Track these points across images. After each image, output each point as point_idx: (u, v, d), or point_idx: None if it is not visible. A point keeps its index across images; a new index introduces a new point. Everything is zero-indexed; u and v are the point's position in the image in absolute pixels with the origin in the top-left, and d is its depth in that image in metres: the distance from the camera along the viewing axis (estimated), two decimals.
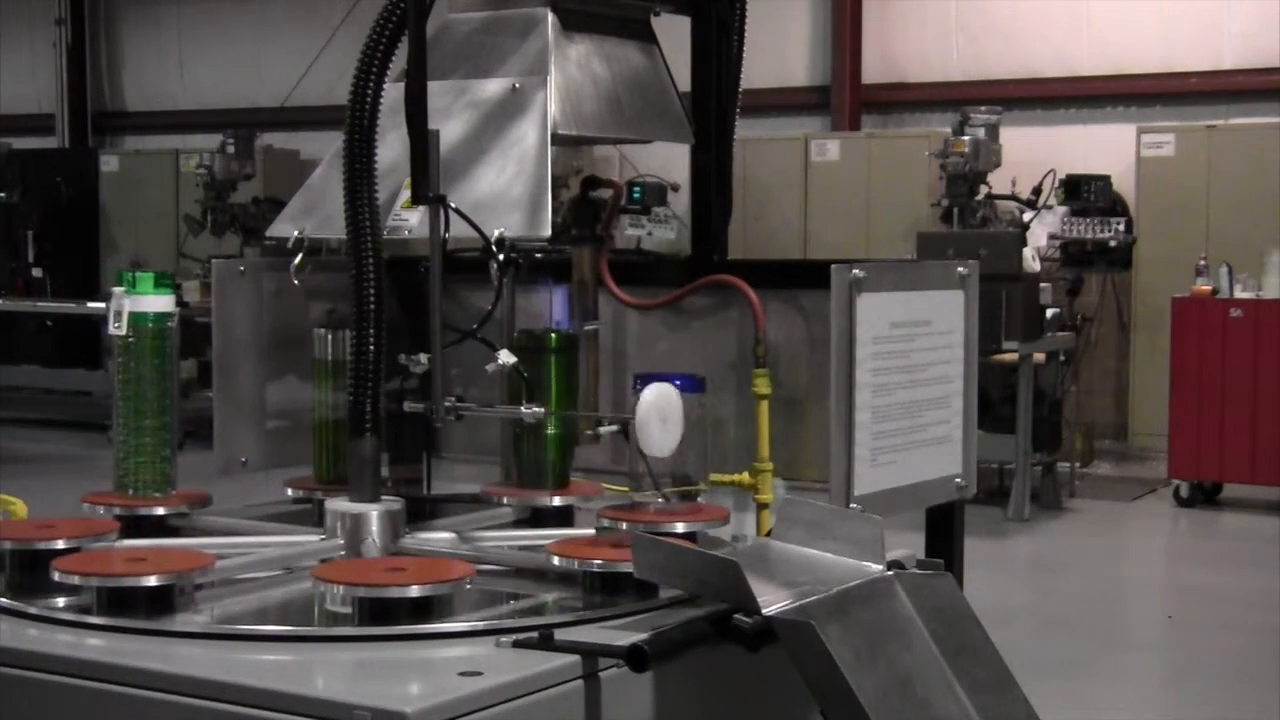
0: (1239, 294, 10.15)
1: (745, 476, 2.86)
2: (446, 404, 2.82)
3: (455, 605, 2.33)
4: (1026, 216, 11.13)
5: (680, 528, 2.69)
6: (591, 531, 2.72)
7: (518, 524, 2.94)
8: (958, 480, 3.10)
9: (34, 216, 15.09)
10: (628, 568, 2.37)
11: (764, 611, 2.22)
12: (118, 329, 2.81)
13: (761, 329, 2.89)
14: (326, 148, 3.01)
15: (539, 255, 3.16)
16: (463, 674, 2.04)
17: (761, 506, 2.85)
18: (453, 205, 2.73)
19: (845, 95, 13.85)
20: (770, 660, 2.26)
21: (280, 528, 2.87)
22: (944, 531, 3.13)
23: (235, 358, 3.07)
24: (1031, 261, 10.15)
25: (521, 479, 2.97)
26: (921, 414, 2.98)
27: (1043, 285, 10.09)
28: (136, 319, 2.80)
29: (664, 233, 12.51)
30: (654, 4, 3.11)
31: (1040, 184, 11.23)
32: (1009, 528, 9.66)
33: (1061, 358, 10.53)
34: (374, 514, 2.68)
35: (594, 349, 3.10)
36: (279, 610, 2.46)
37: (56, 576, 2.35)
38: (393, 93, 2.74)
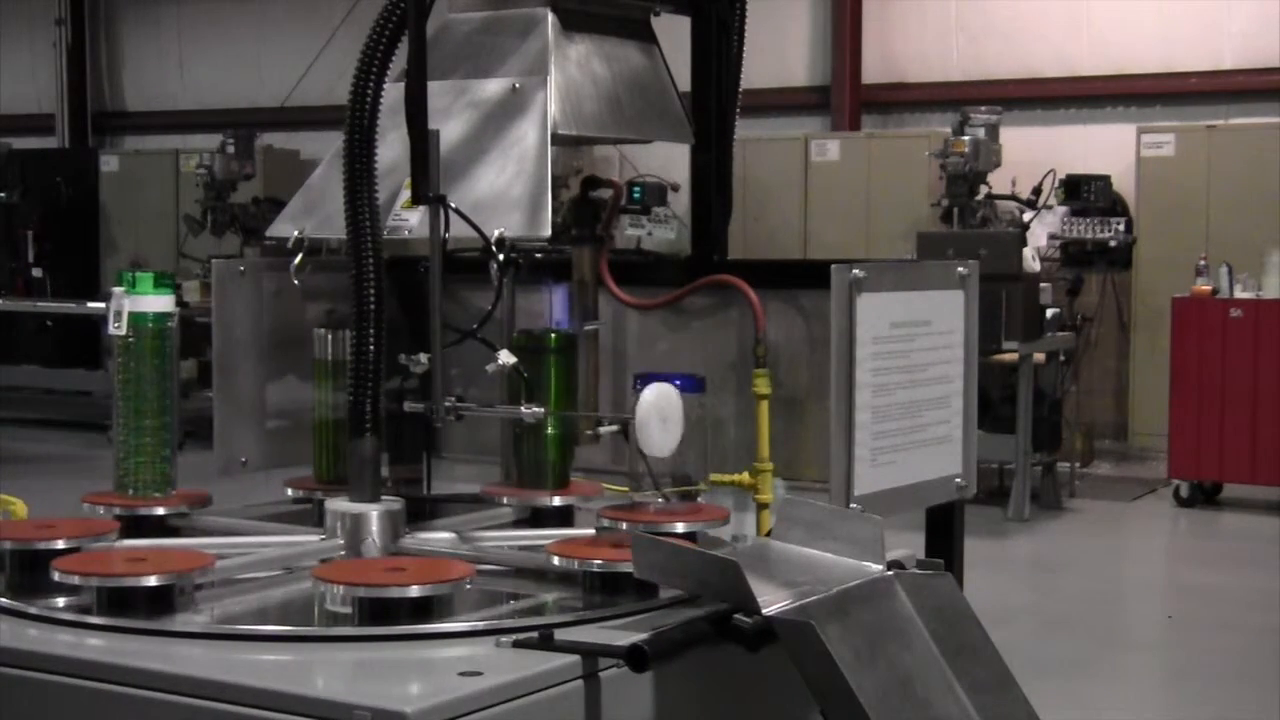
0: (1239, 294, 10.16)
1: (745, 476, 2.86)
2: (446, 404, 2.82)
3: (455, 605, 2.33)
4: (1026, 216, 11.13)
5: (680, 528, 2.68)
6: (591, 531, 2.72)
7: (518, 524, 2.94)
8: (958, 480, 3.10)
9: (34, 216, 15.10)
10: (628, 568, 2.37)
11: (764, 611, 2.22)
12: (118, 329, 2.81)
13: (761, 329, 2.88)
14: (326, 148, 3.01)
15: (539, 255, 3.16)
16: (463, 674, 2.04)
17: (761, 506, 2.85)
18: (453, 205, 2.73)
19: (845, 95, 13.86)
20: (770, 660, 2.26)
21: (280, 528, 2.87)
22: (944, 531, 3.13)
23: (235, 358, 3.07)
24: (1031, 261, 10.15)
25: (521, 479, 2.97)
26: (921, 414, 2.98)
27: (1043, 285, 10.09)
28: (136, 319, 2.80)
29: (664, 233, 12.51)
30: (654, 4, 3.11)
31: (1040, 184, 11.23)
32: (1009, 528, 9.66)
33: (1061, 358, 10.53)
34: (374, 514, 2.68)
35: (594, 349, 3.10)
36: (279, 610, 2.46)
37: (56, 576, 2.35)
38: (393, 93, 2.74)
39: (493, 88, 2.89)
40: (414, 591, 2.28)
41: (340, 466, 2.93)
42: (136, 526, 2.80)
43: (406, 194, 2.75)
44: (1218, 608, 7.75)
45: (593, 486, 2.98)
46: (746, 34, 3.17)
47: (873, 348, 2.83)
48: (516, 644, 2.16)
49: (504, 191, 2.77)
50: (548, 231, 2.71)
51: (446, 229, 2.74)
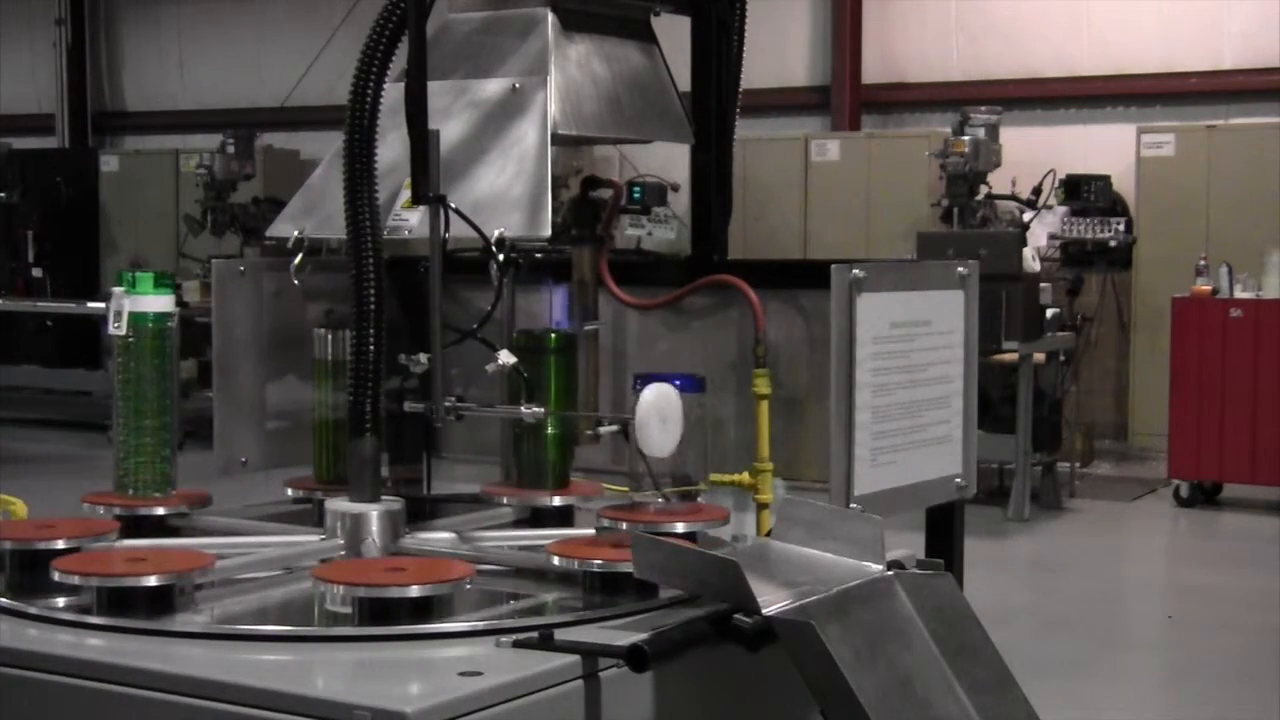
0: (1239, 294, 10.16)
1: (745, 476, 2.86)
2: (446, 404, 2.82)
3: (455, 605, 2.33)
4: (1026, 216, 11.13)
5: (680, 528, 2.68)
6: (591, 531, 2.72)
7: (518, 524, 2.94)
8: (958, 480, 3.10)
9: (34, 216, 15.10)
10: (628, 568, 2.37)
11: (764, 611, 2.22)
12: (118, 329, 2.81)
13: (761, 329, 2.88)
14: (326, 148, 3.01)
15: (539, 255, 3.16)
16: (463, 674, 2.04)
17: (761, 506, 2.85)
18: (453, 205, 2.73)
19: (845, 95, 13.86)
20: (770, 660, 2.26)
21: (280, 528, 2.87)
22: (944, 531, 3.13)
23: (235, 358, 3.07)
24: (1031, 261, 10.15)
25: (521, 479, 2.97)
26: (921, 414, 2.98)
27: (1043, 285, 10.09)
28: (136, 319, 2.80)
29: (664, 233, 12.51)
30: (654, 4, 3.11)
31: (1040, 184, 11.23)
32: (1009, 528, 9.66)
33: (1061, 358, 10.53)
34: (374, 514, 2.68)
35: (594, 349, 3.10)
36: (279, 610, 2.46)
37: (56, 576, 2.35)
38: (393, 93, 2.74)
39: (493, 88, 2.89)
40: (414, 591, 2.28)
41: (340, 466, 2.93)
42: (136, 526, 2.80)
43: (406, 194, 2.75)
44: (1218, 608, 7.75)
45: (593, 486, 2.98)
46: (746, 34, 3.17)
47: (873, 348, 2.83)
48: (516, 644, 2.16)
49: (504, 191, 2.77)
50: (548, 231, 2.71)
51: (446, 229, 2.74)
